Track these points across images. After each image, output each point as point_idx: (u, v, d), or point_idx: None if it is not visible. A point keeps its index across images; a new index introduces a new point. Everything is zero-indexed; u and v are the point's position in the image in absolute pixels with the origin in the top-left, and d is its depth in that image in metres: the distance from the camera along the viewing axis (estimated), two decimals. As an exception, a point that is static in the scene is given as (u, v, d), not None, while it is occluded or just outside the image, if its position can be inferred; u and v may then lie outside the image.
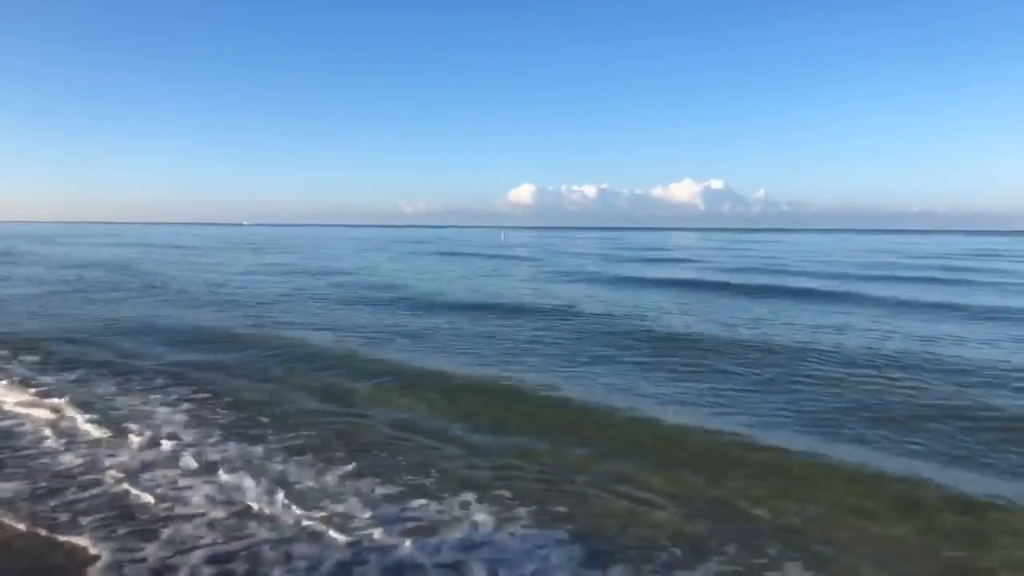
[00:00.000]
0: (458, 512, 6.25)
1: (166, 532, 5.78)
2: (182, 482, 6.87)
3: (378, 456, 7.69)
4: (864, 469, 7.39)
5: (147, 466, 7.27)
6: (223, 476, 7.00)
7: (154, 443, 7.95)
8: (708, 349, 13.69)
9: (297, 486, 6.78)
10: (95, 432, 8.34)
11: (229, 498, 6.49)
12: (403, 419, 9.02)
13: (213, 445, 7.98)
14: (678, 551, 5.60)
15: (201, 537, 5.70)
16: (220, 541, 5.64)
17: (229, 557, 5.39)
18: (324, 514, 6.14)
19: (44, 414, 9.02)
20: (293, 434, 8.38)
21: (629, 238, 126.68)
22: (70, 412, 9.08)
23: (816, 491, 6.75)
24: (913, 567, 5.45)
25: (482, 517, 6.13)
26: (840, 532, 5.98)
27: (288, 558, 5.39)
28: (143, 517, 6.07)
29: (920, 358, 12.88)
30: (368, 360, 12.54)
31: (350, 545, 5.60)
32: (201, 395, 10.10)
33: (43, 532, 5.76)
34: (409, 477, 7.04)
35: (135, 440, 8.04)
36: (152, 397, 9.97)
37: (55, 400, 9.61)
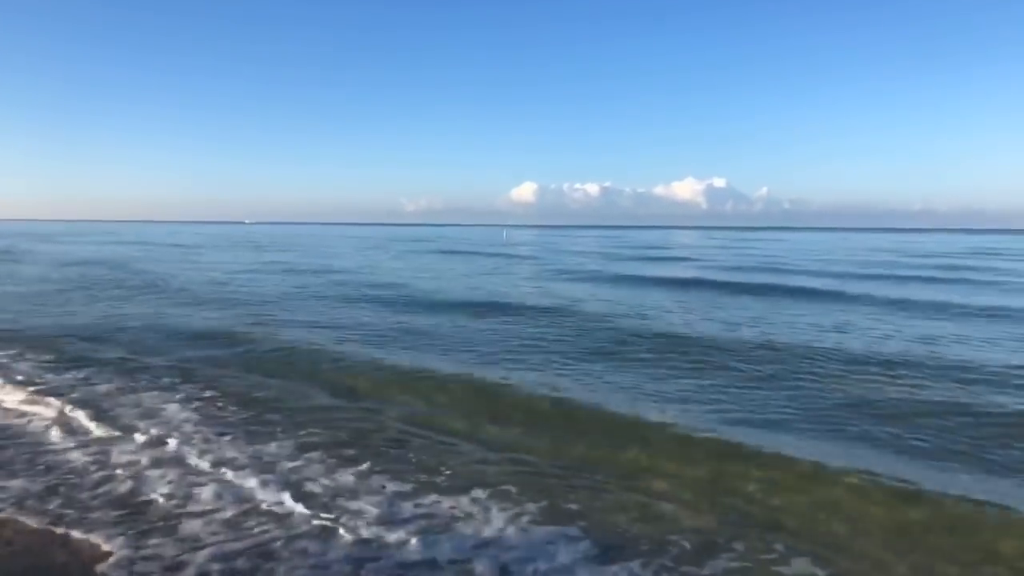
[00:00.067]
0: (469, 508, 6.30)
1: (176, 530, 5.81)
2: (191, 480, 6.90)
3: (387, 453, 7.74)
4: (866, 466, 7.43)
5: (156, 463, 7.31)
6: (232, 474, 7.04)
7: (163, 441, 7.99)
8: (709, 348, 13.72)
9: (308, 483, 6.82)
10: (104, 430, 8.38)
11: (239, 496, 6.52)
12: (410, 416, 9.07)
13: (222, 443, 8.03)
14: (687, 545, 5.67)
15: (211, 535, 5.73)
16: (230, 539, 5.67)
17: (239, 555, 5.41)
18: (336, 511, 6.18)
19: (52, 412, 9.06)
20: (303, 432, 8.42)
21: (631, 236, 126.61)
22: (78, 410, 9.12)
23: (821, 487, 6.79)
24: (916, 561, 5.50)
25: (493, 513, 6.19)
26: (845, 528, 6.03)
27: (299, 556, 5.42)
28: (153, 515, 6.10)
29: (921, 357, 12.91)
30: (373, 358, 12.58)
31: (363, 542, 5.63)
32: (208, 392, 10.15)
33: (54, 529, 5.80)
34: (420, 474, 7.10)
35: (144, 438, 8.09)
36: (160, 395, 10.02)
37: (63, 398, 9.68)
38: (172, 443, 7.93)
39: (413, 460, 7.52)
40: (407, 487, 6.77)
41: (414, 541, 5.63)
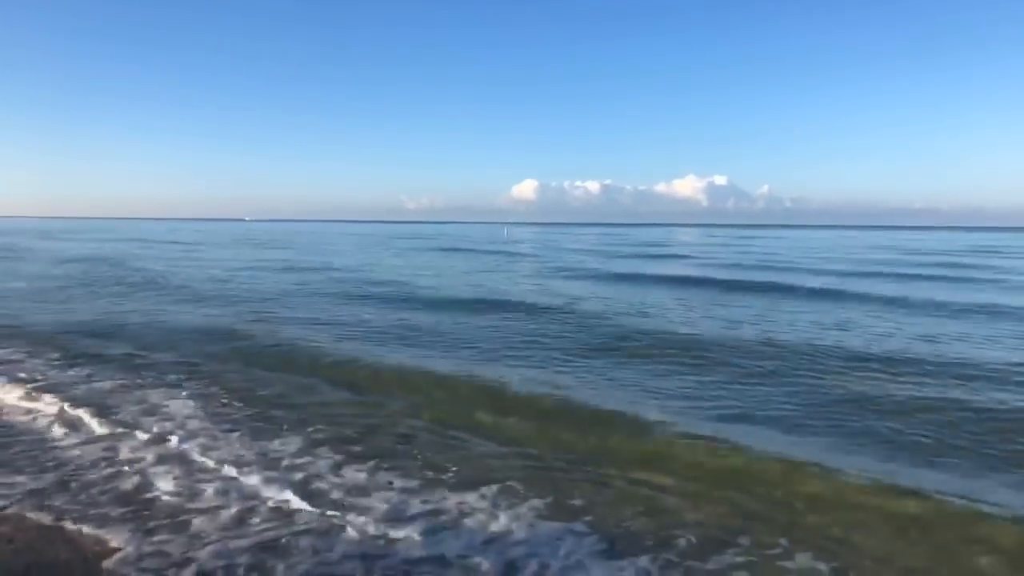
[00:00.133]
0: (476, 504, 6.34)
1: (182, 526, 5.83)
2: (197, 476, 6.93)
3: (393, 450, 7.78)
4: (868, 462, 7.58)
5: (161, 460, 7.33)
6: (238, 470, 7.06)
7: (168, 437, 8.02)
8: (710, 345, 13.75)
9: (315, 480, 6.86)
10: (108, 426, 8.41)
11: (245, 492, 6.55)
12: (414, 413, 9.10)
13: (228, 439, 8.05)
14: (692, 540, 5.73)
15: (217, 531, 5.75)
16: (236, 535, 5.69)
17: (245, 551, 5.43)
18: (344, 508, 6.21)
19: (55, 409, 9.08)
20: (309, 428, 8.45)
21: (633, 234, 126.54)
22: (81, 406, 9.14)
23: (823, 483, 6.86)
24: (917, 557, 5.55)
25: (500, 509, 6.24)
26: (846, 523, 6.08)
27: (308, 552, 5.44)
28: (159, 511, 6.12)
29: (922, 354, 12.96)
30: (375, 355, 12.65)
31: (372, 539, 5.67)
32: (213, 389, 10.19)
33: (60, 525, 5.81)
34: (426, 471, 7.14)
35: (149, 434, 8.12)
36: (164, 391, 10.06)
37: (66, 394, 9.72)
38: (177, 440, 7.97)
39: (419, 456, 7.56)
40: (414, 483, 6.81)
41: (423, 537, 5.68)
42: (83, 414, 8.87)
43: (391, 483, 6.81)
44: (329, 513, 6.12)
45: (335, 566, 5.27)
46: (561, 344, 14.18)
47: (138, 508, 6.19)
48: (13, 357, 12.19)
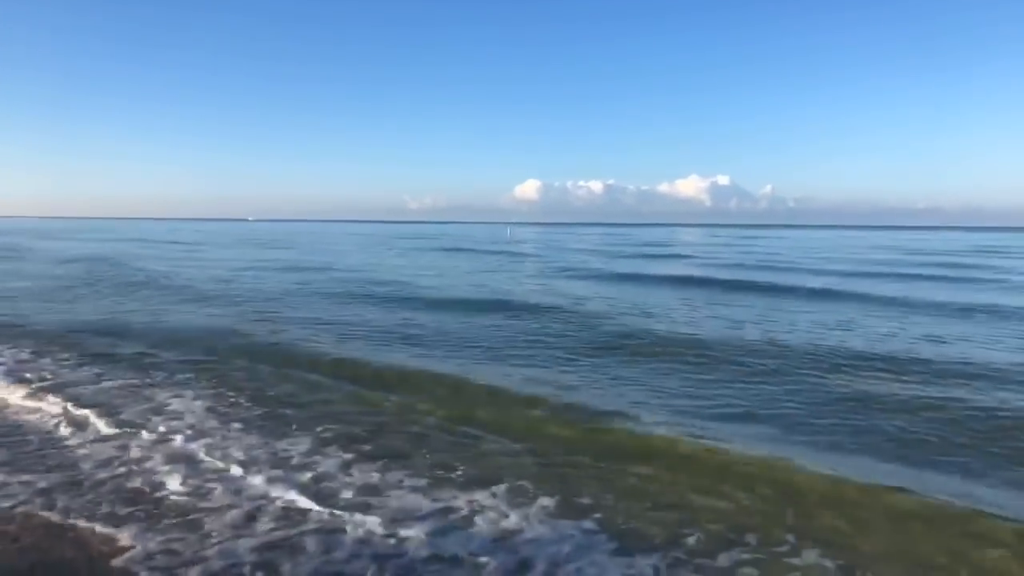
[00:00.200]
0: (487, 503, 6.38)
1: (192, 525, 5.83)
2: (207, 475, 6.94)
3: (402, 449, 7.81)
4: (871, 460, 7.69)
5: (170, 459, 7.34)
6: (248, 469, 7.08)
7: (177, 437, 8.04)
8: (712, 346, 13.77)
9: (325, 479, 6.88)
10: (115, 426, 8.42)
11: (255, 491, 6.56)
12: (421, 413, 9.12)
13: (237, 438, 8.08)
14: (701, 537, 5.77)
15: (227, 530, 5.76)
16: (246, 534, 5.70)
17: (256, 551, 5.44)
18: (355, 507, 6.23)
19: (62, 408, 9.09)
20: (318, 427, 8.48)
21: (635, 234, 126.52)
22: (88, 406, 9.17)
23: (827, 483, 6.89)
24: (920, 553, 5.59)
25: (510, 508, 6.28)
26: (851, 521, 6.13)
27: (319, 552, 5.45)
28: (169, 510, 6.12)
29: (924, 355, 12.99)
30: (380, 355, 12.72)
31: (383, 538, 5.68)
32: (220, 389, 10.22)
33: (67, 524, 5.81)
34: (436, 470, 7.17)
35: (157, 434, 8.15)
36: (172, 390, 10.10)
37: (73, 394, 9.77)
38: (185, 439, 7.99)
39: (427, 455, 7.60)
40: (423, 482, 6.85)
41: (434, 537, 5.71)
42: (89, 413, 8.89)
43: (401, 482, 6.84)
44: (339, 512, 6.12)
45: (346, 565, 5.28)
46: (565, 343, 14.24)
47: (145, 507, 6.18)
48: (21, 356, 12.24)
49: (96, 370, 11.30)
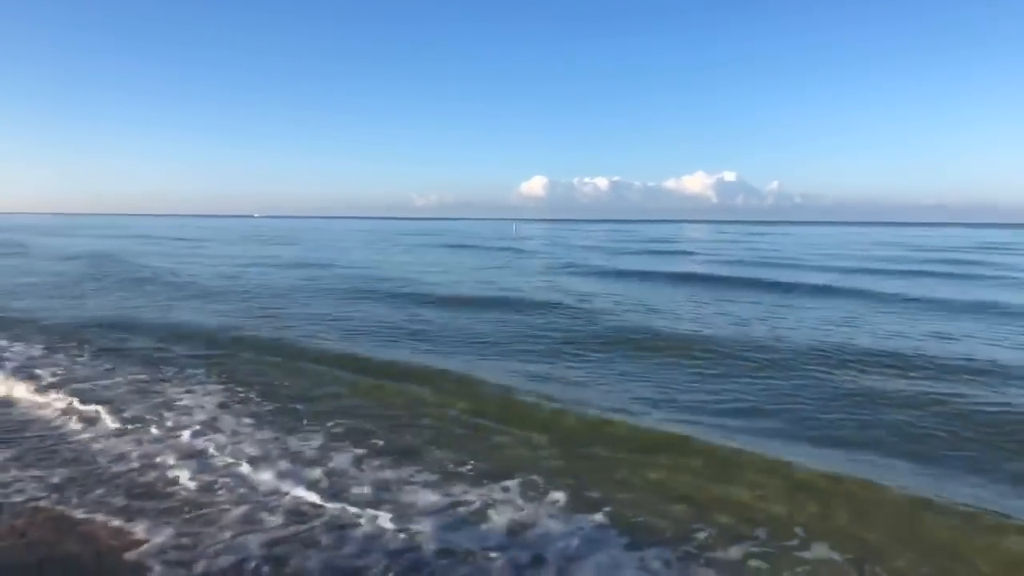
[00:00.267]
0: (499, 497, 6.43)
1: (201, 520, 5.85)
2: (217, 471, 6.97)
3: (413, 444, 7.85)
4: (876, 457, 7.73)
5: (180, 455, 7.37)
6: (260, 465, 7.11)
7: (188, 432, 8.07)
8: (720, 342, 13.80)
9: (338, 474, 6.92)
10: (127, 421, 8.46)
11: (267, 487, 6.59)
12: (431, 409, 9.16)
13: (249, 434, 8.11)
14: (712, 532, 5.82)
15: (237, 526, 5.77)
16: (257, 530, 5.72)
17: (269, 545, 5.47)
18: (370, 502, 6.25)
19: (72, 403, 9.15)
20: (330, 423, 8.53)
21: (641, 230, 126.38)
22: (99, 401, 9.23)
23: (830, 481, 6.88)
24: (922, 551, 5.60)
25: (523, 502, 6.33)
26: (857, 517, 6.14)
27: (332, 546, 5.47)
28: (178, 506, 6.15)
29: (929, 353, 12.96)
30: (389, 352, 12.80)
31: (396, 533, 5.70)
32: (231, 384, 10.29)
33: (75, 519, 5.83)
34: (448, 464, 7.22)
35: (168, 429, 8.18)
36: (183, 386, 10.17)
37: (82, 388, 9.86)
38: (196, 434, 8.04)
39: (438, 450, 7.64)
40: (435, 477, 6.90)
41: (449, 531, 5.75)
42: (99, 408, 8.94)
43: (412, 477, 6.89)
44: (352, 508, 6.14)
45: (358, 560, 5.29)
46: (571, 339, 14.33)
47: (155, 502, 6.20)
48: (31, 352, 12.31)
49: (106, 365, 11.39)
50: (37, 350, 12.44)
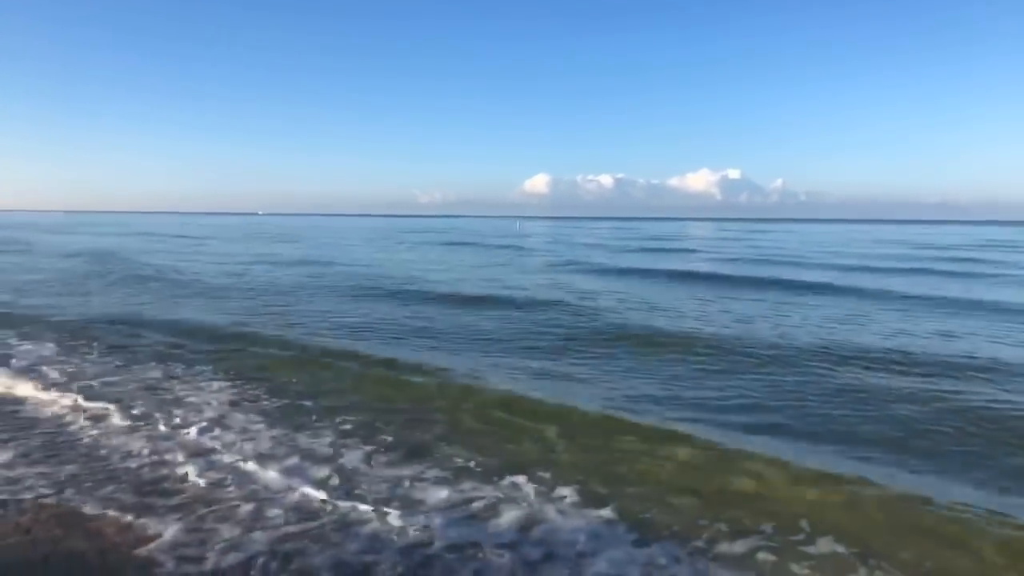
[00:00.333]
0: (508, 493, 6.46)
1: (209, 517, 5.85)
2: (226, 468, 6.97)
3: (422, 440, 7.89)
4: (880, 454, 7.78)
5: (188, 451, 7.37)
6: (270, 462, 7.12)
7: (197, 429, 8.08)
8: (722, 340, 13.85)
9: (348, 471, 6.94)
10: (134, 418, 8.46)
11: (276, 483, 6.59)
12: (437, 405, 9.21)
13: (258, 431, 8.12)
14: (721, 528, 5.86)
15: (247, 522, 5.78)
16: (271, 525, 5.73)
17: (281, 541, 5.49)
18: (380, 499, 6.27)
19: (80, 400, 9.18)
20: (338, 419, 8.57)
21: (645, 228, 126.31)
22: (106, 397, 9.26)
23: (834, 481, 6.91)
24: (925, 548, 5.61)
25: (531, 498, 6.37)
26: (862, 512, 6.19)
27: (344, 543, 5.46)
28: (186, 502, 6.14)
29: (933, 352, 13.01)
30: (395, 349, 12.87)
31: (409, 530, 5.71)
32: (239, 381, 10.33)
33: (80, 515, 5.83)
34: (457, 461, 7.26)
35: (176, 426, 8.19)
36: (192, 383, 10.21)
37: (91, 385, 9.90)
38: (206, 431, 8.05)
39: (446, 448, 7.68)
40: (446, 473, 6.93)
41: (459, 527, 5.77)
42: (107, 405, 8.96)
43: (423, 473, 6.92)
44: (363, 504, 6.15)
45: (369, 556, 5.29)
46: (575, 336, 14.42)
47: (163, 499, 6.21)
48: (39, 349, 12.35)
49: (115, 362, 11.44)
50: (46, 347, 12.48)
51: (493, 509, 6.14)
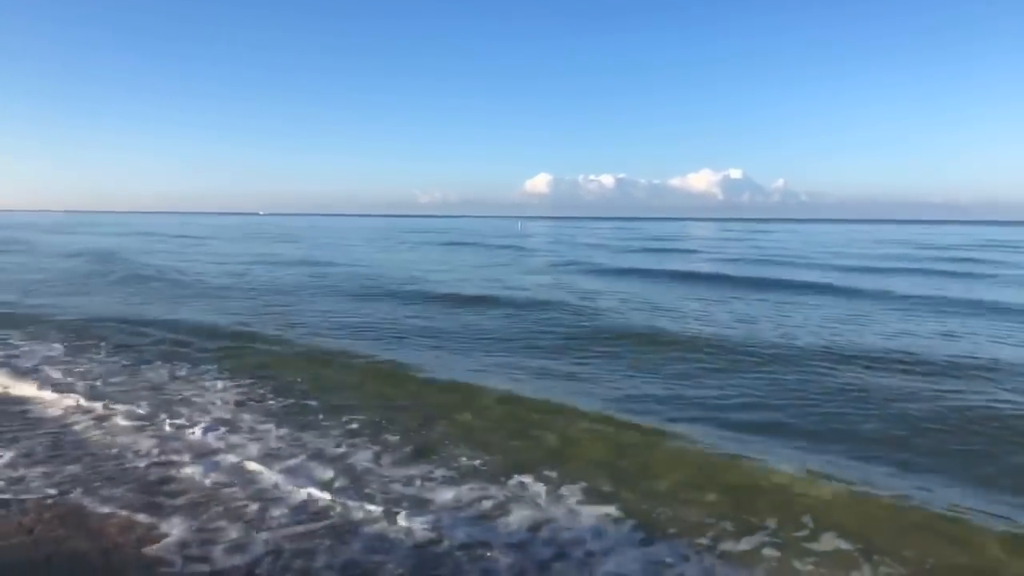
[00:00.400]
0: (516, 492, 6.50)
1: (218, 517, 5.84)
2: (232, 467, 6.97)
3: (428, 440, 7.92)
4: (882, 452, 7.83)
5: (192, 451, 7.37)
6: (277, 462, 7.12)
7: (202, 429, 8.08)
8: (724, 341, 13.87)
9: (354, 471, 6.94)
10: (138, 418, 8.46)
11: (282, 483, 6.58)
12: (443, 404, 9.24)
13: (266, 430, 8.12)
14: (728, 525, 5.91)
15: (255, 522, 5.78)
16: (282, 524, 5.75)
17: (292, 540, 5.50)
18: (389, 498, 6.28)
19: (83, 400, 9.16)
20: (344, 417, 8.60)
21: (647, 228, 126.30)
22: (109, 397, 9.26)
23: (834, 481, 6.93)
24: (927, 546, 5.64)
25: (539, 498, 6.40)
26: (863, 509, 6.23)
27: (355, 544, 5.47)
28: (191, 502, 6.14)
29: (936, 353, 13.01)
30: (398, 349, 12.95)
31: (415, 529, 5.73)
32: (244, 380, 10.34)
33: (82, 515, 5.85)
34: (463, 459, 7.30)
35: (180, 425, 8.18)
36: (196, 382, 10.24)
37: (94, 385, 9.93)
38: (212, 431, 8.05)
39: (453, 447, 7.70)
40: (451, 473, 6.96)
41: (470, 526, 5.80)
42: (112, 405, 8.95)
43: (431, 473, 6.94)
44: (370, 504, 6.15)
45: (376, 556, 5.30)
46: (578, 335, 14.53)
47: (167, 499, 6.21)
48: (45, 349, 12.34)
49: (119, 362, 11.46)
50: (52, 347, 12.48)
51: (501, 508, 6.16)
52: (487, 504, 6.24)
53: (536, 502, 6.30)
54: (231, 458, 7.23)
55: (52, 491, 6.30)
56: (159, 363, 11.35)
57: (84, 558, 5.17)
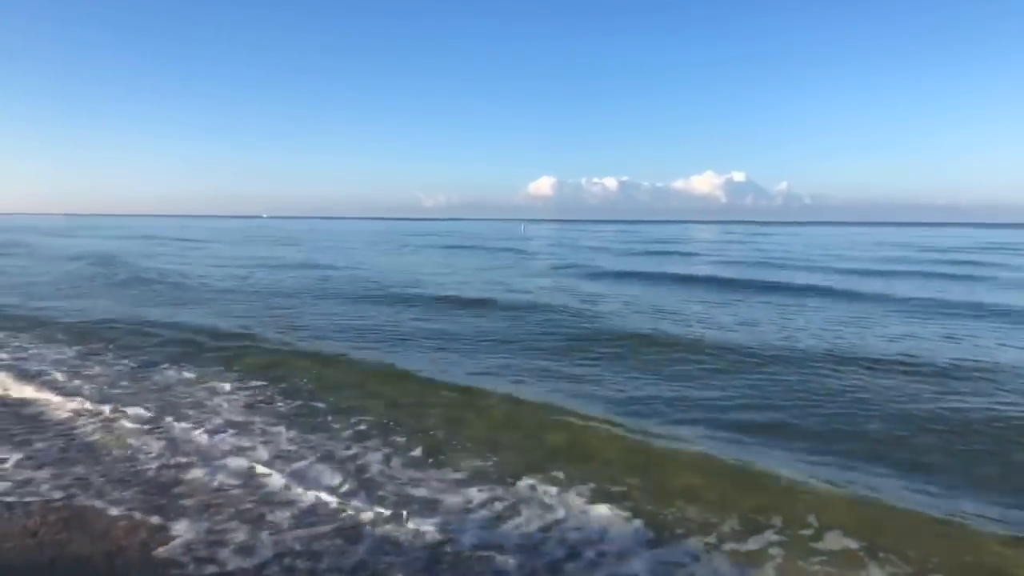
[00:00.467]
0: (525, 494, 6.54)
1: (224, 519, 5.86)
2: (240, 469, 7.01)
3: (437, 442, 7.96)
4: (884, 451, 7.89)
5: (201, 454, 7.40)
6: (287, 463, 7.16)
7: (211, 431, 8.11)
8: (726, 344, 13.88)
9: (366, 473, 6.99)
10: (148, 421, 8.48)
11: (290, 486, 6.60)
12: (445, 407, 9.28)
13: (276, 433, 8.15)
14: (735, 524, 5.97)
15: (262, 524, 5.80)
16: (283, 528, 5.75)
17: (301, 540, 5.53)
18: (399, 500, 6.32)
19: (88, 403, 9.19)
20: (354, 419, 8.66)
21: (650, 231, 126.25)
22: (114, 399, 9.30)
23: (837, 482, 6.99)
24: (927, 546, 5.68)
25: (549, 498, 6.45)
26: (870, 509, 6.27)
27: (365, 545, 5.50)
28: (198, 504, 6.17)
29: (937, 355, 13.04)
30: (402, 350, 13.03)
31: (430, 529, 5.76)
32: (252, 382, 10.40)
33: (86, 517, 5.87)
34: (471, 461, 7.34)
35: (189, 428, 8.21)
36: (205, 385, 10.28)
37: (99, 387, 9.97)
38: (221, 433, 8.10)
39: (460, 450, 7.74)
40: (462, 475, 7.00)
41: (481, 527, 5.84)
42: (118, 407, 8.97)
43: (438, 475, 6.98)
44: (386, 505, 6.19)
45: (385, 558, 5.32)
46: (581, 336, 14.61)
47: (174, 501, 6.23)
48: (52, 352, 12.38)
49: (127, 364, 11.52)
50: (58, 350, 12.53)
51: (511, 510, 6.20)
52: (497, 506, 6.27)
53: (544, 504, 6.33)
54: (239, 460, 7.25)
55: (57, 494, 6.33)
56: (166, 365, 11.41)
57: (88, 561, 5.17)
